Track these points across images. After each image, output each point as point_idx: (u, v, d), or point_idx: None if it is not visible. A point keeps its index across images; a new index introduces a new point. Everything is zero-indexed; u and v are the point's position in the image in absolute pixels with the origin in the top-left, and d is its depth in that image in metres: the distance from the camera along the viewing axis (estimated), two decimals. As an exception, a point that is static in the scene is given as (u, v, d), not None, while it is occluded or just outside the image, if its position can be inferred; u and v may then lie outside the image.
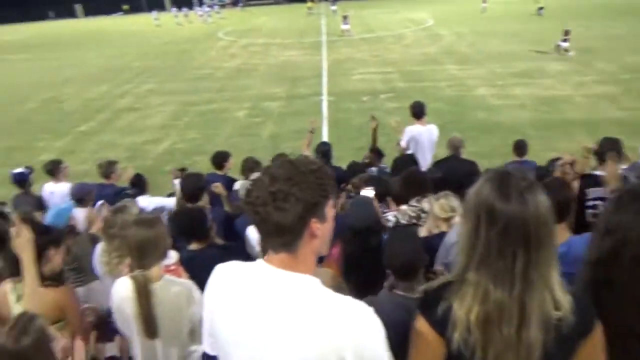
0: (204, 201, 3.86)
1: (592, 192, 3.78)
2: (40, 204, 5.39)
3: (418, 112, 6.18)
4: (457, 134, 5.99)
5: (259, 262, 1.40)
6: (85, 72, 20.98)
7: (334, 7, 40.13)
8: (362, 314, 1.31)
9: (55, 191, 5.55)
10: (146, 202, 4.60)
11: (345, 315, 1.29)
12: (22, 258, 2.52)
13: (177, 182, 5.50)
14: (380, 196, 3.75)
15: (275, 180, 1.30)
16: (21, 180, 5.53)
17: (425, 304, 1.47)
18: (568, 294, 1.36)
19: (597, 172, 3.94)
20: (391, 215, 3.72)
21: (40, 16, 57.62)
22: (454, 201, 3.19)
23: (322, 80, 16.73)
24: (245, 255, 3.27)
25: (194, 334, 2.40)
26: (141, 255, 2.34)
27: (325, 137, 10.70)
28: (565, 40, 17.85)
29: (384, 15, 37.75)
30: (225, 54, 23.61)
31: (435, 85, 14.96)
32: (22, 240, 2.51)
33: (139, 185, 5.21)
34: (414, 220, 3.64)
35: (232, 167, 5.73)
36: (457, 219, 3.08)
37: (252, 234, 3.30)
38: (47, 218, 4.67)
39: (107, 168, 5.38)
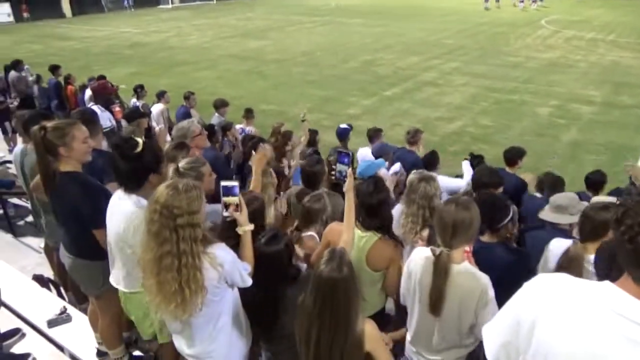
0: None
1: None
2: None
3: None
4: None
5: (607, 284, 1.24)
6: (403, 41, 22.59)
7: None
8: None
9: (367, 155, 6.19)
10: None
11: None
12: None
13: (465, 164, 5.53)
14: None
15: None
16: (343, 135, 6.40)
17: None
18: None
19: None
20: None
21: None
22: None
23: (657, 92, 13.89)
24: (532, 271, 2.98)
25: (474, 329, 2.43)
26: (453, 234, 2.39)
27: (641, 160, 9.00)
28: None
29: None
30: (542, 44, 21.85)
31: None
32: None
33: (432, 161, 5.34)
34: None
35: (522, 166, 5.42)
36: None
37: (555, 249, 3.03)
38: (358, 169, 5.08)
39: (414, 135, 5.71)
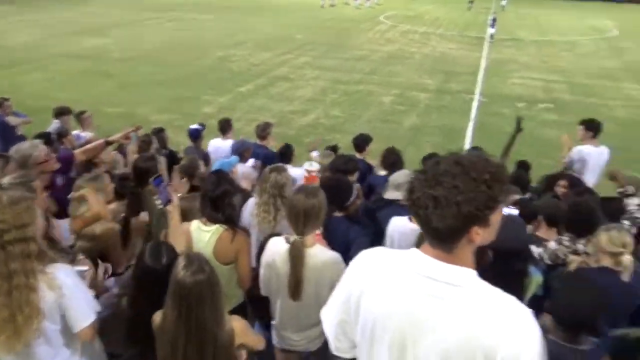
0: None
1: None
2: (207, 158, 5.83)
3: (596, 130, 5.60)
4: (636, 175, 5.17)
5: (414, 251, 1.38)
6: (255, 37, 22.65)
7: (504, 2, 37.34)
8: (523, 318, 1.23)
9: (221, 147, 6.14)
10: (292, 172, 4.88)
11: (503, 314, 1.23)
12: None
13: (314, 154, 5.79)
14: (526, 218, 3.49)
15: (439, 184, 1.23)
16: (195, 135, 6.21)
17: (620, 355, 1.34)
18: None
19: None
20: (538, 250, 3.46)
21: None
22: (627, 236, 2.84)
23: (478, 78, 15.97)
24: (379, 242, 3.29)
25: None
26: (305, 221, 2.50)
27: (469, 139, 10.32)
28: None
29: (561, 17, 34.35)
30: (382, 38, 23.67)
31: (607, 103, 13.39)
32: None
33: (286, 155, 5.45)
34: (559, 262, 3.33)
35: (370, 152, 5.85)
36: (627, 257, 2.74)
37: (394, 226, 3.32)
38: (212, 168, 5.06)
39: (265, 129, 5.76)
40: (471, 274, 1.31)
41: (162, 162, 4.02)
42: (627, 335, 1.30)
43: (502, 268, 2.67)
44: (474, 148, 6.13)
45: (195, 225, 2.92)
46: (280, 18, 29.76)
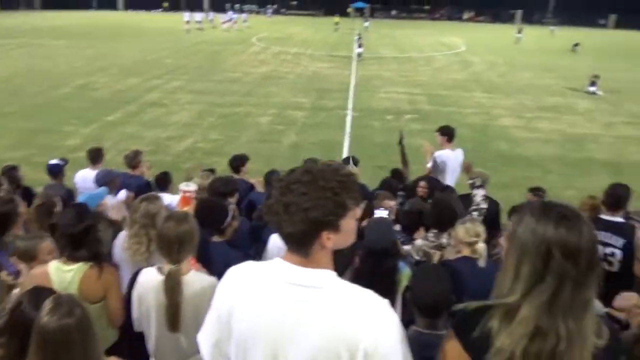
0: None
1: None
2: (70, 195, 5.28)
3: (450, 135, 6.14)
4: (483, 170, 5.79)
5: (276, 260, 1.44)
6: (119, 63, 21.45)
7: (366, 24, 41.06)
8: (380, 309, 1.32)
9: (90, 178, 5.56)
10: (169, 199, 4.63)
11: (361, 308, 1.30)
12: None
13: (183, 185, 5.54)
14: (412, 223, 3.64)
15: (289, 191, 1.30)
16: (56, 172, 5.57)
17: (461, 326, 1.43)
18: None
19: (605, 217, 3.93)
20: (407, 247, 3.66)
21: (83, 5, 59.45)
22: (479, 226, 3.14)
23: (349, 94, 16.80)
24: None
25: None
26: (179, 249, 2.40)
27: (345, 152, 10.73)
28: (593, 84, 17.66)
29: (417, 37, 37.82)
30: (256, 60, 23.91)
31: (461, 111, 14.90)
32: None
33: (163, 182, 5.17)
34: (425, 258, 3.57)
35: (249, 172, 5.79)
36: (480, 245, 3.03)
37: (273, 242, 3.31)
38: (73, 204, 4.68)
39: (134, 158, 5.37)
40: (330, 275, 1.38)
41: (19, 204, 3.56)
42: (465, 308, 1.43)
43: (374, 266, 2.84)
44: (347, 158, 6.40)
45: (55, 266, 2.63)
46: (145, 43, 28.65)
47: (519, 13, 62.17)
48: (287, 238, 1.36)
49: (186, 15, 37.46)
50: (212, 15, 44.10)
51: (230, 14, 42.09)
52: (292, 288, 1.35)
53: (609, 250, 3.79)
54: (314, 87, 17.91)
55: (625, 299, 2.59)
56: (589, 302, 1.29)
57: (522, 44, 33.72)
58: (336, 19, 42.34)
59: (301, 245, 1.35)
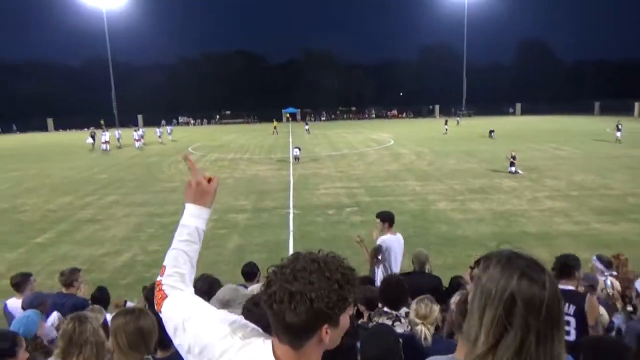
0: None
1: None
2: None
3: (391, 220, 6.33)
4: (423, 250, 6.00)
5: (267, 345, 1.36)
6: (49, 182, 20.75)
7: (307, 127, 46.24)
8: None
9: (15, 306, 5.05)
10: (109, 317, 4.29)
11: None
12: None
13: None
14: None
15: (296, 280, 1.25)
16: None
17: None
18: None
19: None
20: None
21: (6, 129, 59.00)
22: (431, 305, 3.26)
23: (289, 194, 17.05)
24: None
25: None
26: (135, 346, 2.40)
27: (291, 250, 10.63)
28: (512, 164, 19.26)
29: (348, 135, 40.06)
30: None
31: (399, 199, 15.47)
32: None
33: (102, 299, 4.87)
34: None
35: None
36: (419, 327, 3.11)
37: None
38: (11, 328, 4.20)
39: (69, 276, 5.04)
40: None
41: None
42: None
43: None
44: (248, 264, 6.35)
45: None
46: (76, 161, 28.16)
47: (437, 108, 68.82)
48: (286, 329, 1.27)
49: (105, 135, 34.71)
50: (142, 131, 42.29)
51: (157, 130, 41.59)
52: None
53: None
54: (254, 189, 18.07)
55: None
56: (559, 358, 1.27)
57: (445, 133, 36.62)
58: (275, 123, 47.89)
59: (298, 338, 1.28)
